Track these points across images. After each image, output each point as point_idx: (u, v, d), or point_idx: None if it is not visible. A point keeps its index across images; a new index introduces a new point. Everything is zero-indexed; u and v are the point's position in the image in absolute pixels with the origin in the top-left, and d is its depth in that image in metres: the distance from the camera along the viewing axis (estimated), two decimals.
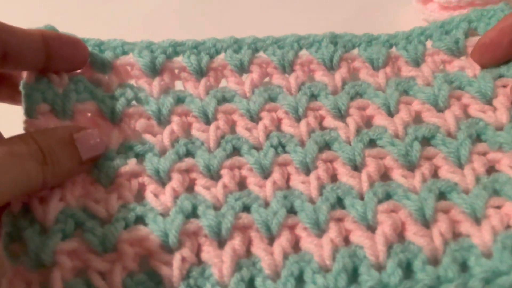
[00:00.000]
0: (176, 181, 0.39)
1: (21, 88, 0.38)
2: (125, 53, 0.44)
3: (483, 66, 0.44)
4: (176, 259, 0.35)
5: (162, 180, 0.39)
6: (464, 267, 0.35)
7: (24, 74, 0.39)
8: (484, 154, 0.40)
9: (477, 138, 0.41)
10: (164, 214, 0.37)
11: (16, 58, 0.36)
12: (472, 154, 0.40)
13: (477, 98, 0.43)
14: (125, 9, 0.61)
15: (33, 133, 0.35)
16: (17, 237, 0.33)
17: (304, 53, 0.46)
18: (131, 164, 0.39)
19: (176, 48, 0.44)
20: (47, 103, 0.38)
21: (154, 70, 0.44)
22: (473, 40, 0.46)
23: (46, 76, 0.39)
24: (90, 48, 0.43)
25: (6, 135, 0.36)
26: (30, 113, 0.37)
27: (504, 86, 0.43)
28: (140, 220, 0.37)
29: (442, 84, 0.43)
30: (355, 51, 0.47)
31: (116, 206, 0.37)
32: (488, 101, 0.42)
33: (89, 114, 0.41)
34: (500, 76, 0.44)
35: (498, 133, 0.41)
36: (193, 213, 0.37)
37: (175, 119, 0.42)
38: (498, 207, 0.37)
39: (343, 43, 0.46)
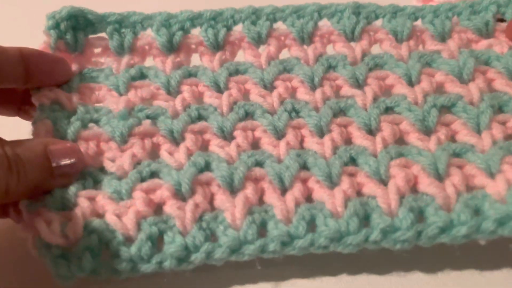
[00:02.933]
0: (189, 141, 0.40)
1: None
2: (144, 28, 0.45)
3: None
4: (189, 204, 0.36)
5: (176, 140, 0.40)
6: (477, 214, 0.35)
7: None
8: (503, 123, 0.40)
9: (499, 110, 0.41)
10: (178, 169, 0.38)
11: None
12: (492, 122, 0.40)
13: (503, 73, 0.43)
14: None
15: (3, 140, 0.34)
16: None
17: (324, 24, 0.46)
18: (145, 124, 0.41)
19: (193, 21, 0.46)
20: None
21: (171, 48, 0.45)
22: (503, 26, 0.46)
23: None
24: (110, 29, 0.45)
25: None
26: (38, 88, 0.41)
27: None
28: (154, 175, 0.38)
29: (468, 58, 0.43)
30: (379, 23, 0.47)
31: (131, 164, 0.38)
32: None
33: (96, 92, 0.43)
34: None
35: None
36: (206, 168, 0.38)
37: (186, 88, 0.43)
38: None
39: (366, 14, 0.46)
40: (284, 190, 0.37)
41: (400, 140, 0.41)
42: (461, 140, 0.40)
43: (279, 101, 0.42)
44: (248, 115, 0.42)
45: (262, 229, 0.36)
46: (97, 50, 0.46)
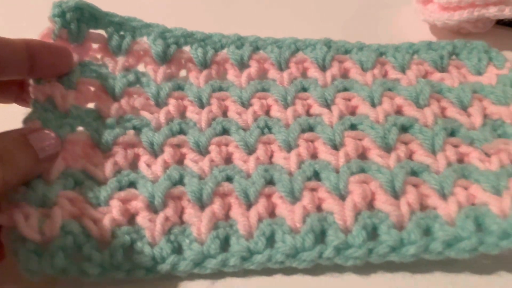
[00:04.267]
0: (167, 154, 0.42)
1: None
2: (141, 35, 0.49)
3: None
4: (160, 216, 0.38)
5: (155, 152, 0.43)
6: (428, 233, 0.37)
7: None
8: (456, 146, 0.43)
9: (451, 135, 0.44)
10: (154, 181, 0.41)
11: None
12: (445, 144, 0.43)
13: (454, 103, 0.46)
14: None
15: None
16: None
17: (300, 53, 0.51)
18: (129, 134, 0.43)
19: (186, 39, 0.49)
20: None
21: (164, 59, 0.48)
22: (455, 62, 0.51)
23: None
24: (111, 28, 0.47)
25: None
26: (38, 80, 0.42)
27: (479, 100, 0.46)
28: (132, 185, 0.41)
29: (424, 86, 0.47)
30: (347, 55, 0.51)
31: (112, 171, 0.41)
32: (464, 108, 0.46)
33: (92, 89, 0.45)
34: (475, 91, 0.47)
35: (471, 131, 0.44)
36: (180, 182, 0.41)
37: (172, 101, 0.46)
38: (465, 188, 0.40)
39: (336, 48, 0.51)
40: (249, 205, 0.40)
41: (362, 156, 0.43)
42: (418, 160, 0.42)
43: (253, 118, 0.45)
44: (225, 131, 0.45)
45: (226, 244, 0.38)
46: (95, 45, 0.48)
